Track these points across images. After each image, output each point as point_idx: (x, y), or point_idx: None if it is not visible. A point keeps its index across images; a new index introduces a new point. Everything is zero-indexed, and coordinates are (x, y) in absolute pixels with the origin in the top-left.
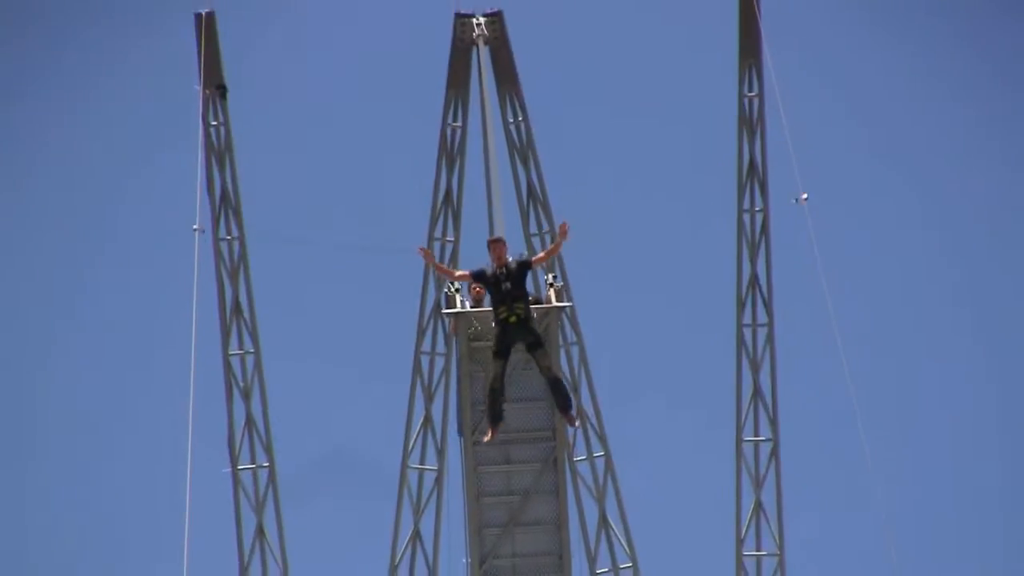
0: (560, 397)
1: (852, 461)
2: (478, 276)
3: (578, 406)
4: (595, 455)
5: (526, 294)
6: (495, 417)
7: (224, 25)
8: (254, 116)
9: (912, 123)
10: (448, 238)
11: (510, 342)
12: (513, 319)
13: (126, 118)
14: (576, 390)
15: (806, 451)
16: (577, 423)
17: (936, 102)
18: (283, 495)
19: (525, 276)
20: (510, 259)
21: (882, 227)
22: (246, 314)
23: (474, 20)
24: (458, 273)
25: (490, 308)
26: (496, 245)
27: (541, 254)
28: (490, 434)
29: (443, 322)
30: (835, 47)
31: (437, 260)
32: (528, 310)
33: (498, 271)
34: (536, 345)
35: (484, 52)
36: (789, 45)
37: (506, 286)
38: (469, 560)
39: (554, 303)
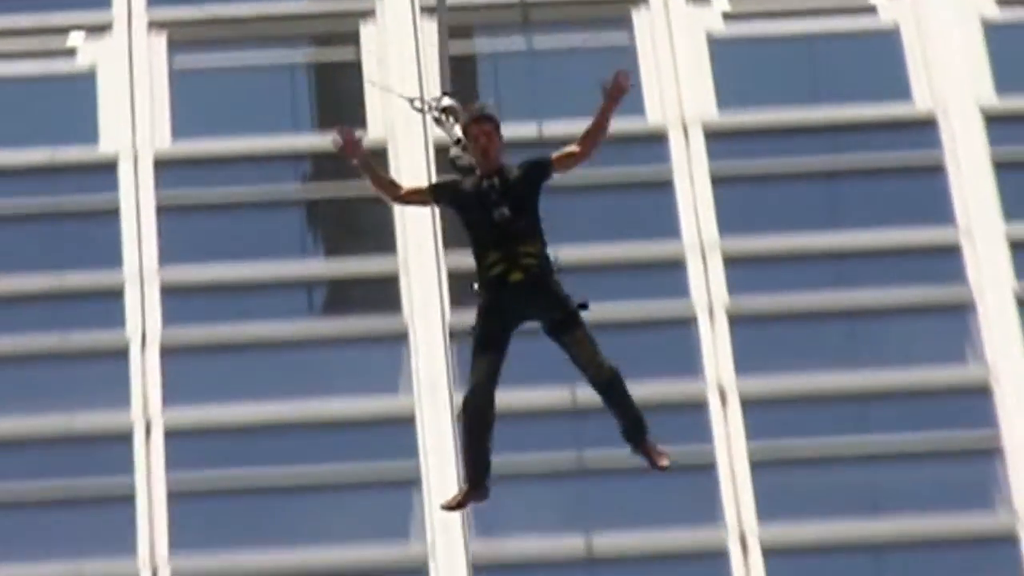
0: (628, 413)
1: None
2: (442, 190)
3: None
4: None
5: (539, 226)
6: (476, 470)
7: None
8: None
9: None
10: None
11: (510, 320)
12: (517, 276)
13: None
14: None
15: None
16: (667, 461)
17: None
18: None
19: (538, 192)
20: (509, 163)
21: None
22: None
23: None
24: (406, 188)
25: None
26: (482, 126)
27: (572, 147)
28: (460, 497)
29: None
30: None
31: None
32: (545, 257)
33: (484, 181)
34: (568, 324)
35: None
36: None
37: (500, 213)
38: None
39: None
